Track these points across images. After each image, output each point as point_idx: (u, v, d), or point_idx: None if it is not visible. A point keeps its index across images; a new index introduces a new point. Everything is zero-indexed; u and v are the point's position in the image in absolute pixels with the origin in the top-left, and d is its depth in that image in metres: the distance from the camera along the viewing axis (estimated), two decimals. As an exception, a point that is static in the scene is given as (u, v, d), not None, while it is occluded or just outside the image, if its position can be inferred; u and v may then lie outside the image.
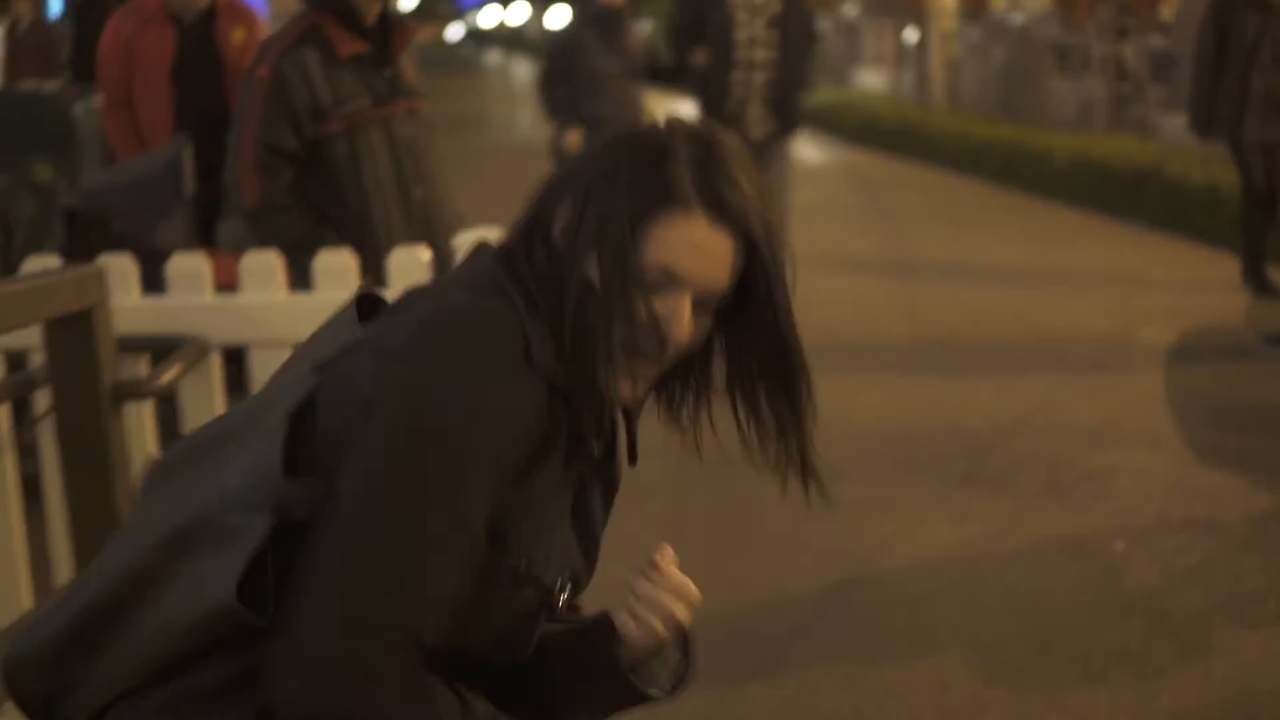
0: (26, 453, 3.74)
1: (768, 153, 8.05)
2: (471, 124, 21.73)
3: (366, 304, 1.78)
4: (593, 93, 8.57)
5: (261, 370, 3.52)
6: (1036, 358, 7.23)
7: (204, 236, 5.79)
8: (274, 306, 3.54)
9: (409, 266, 3.55)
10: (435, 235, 4.16)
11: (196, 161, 5.44)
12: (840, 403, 6.52)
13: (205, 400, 3.54)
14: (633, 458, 1.85)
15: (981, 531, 4.91)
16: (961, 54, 19.03)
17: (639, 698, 1.80)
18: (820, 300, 8.41)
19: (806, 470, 1.82)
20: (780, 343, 1.74)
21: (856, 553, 4.73)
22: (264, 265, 3.56)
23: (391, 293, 3.40)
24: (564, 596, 1.75)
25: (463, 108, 24.47)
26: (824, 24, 22.75)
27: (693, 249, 1.66)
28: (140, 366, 3.49)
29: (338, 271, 3.53)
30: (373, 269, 3.86)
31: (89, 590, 1.69)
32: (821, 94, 20.30)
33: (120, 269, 3.53)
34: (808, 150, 17.12)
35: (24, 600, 3.47)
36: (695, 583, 1.79)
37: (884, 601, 4.37)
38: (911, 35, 20.49)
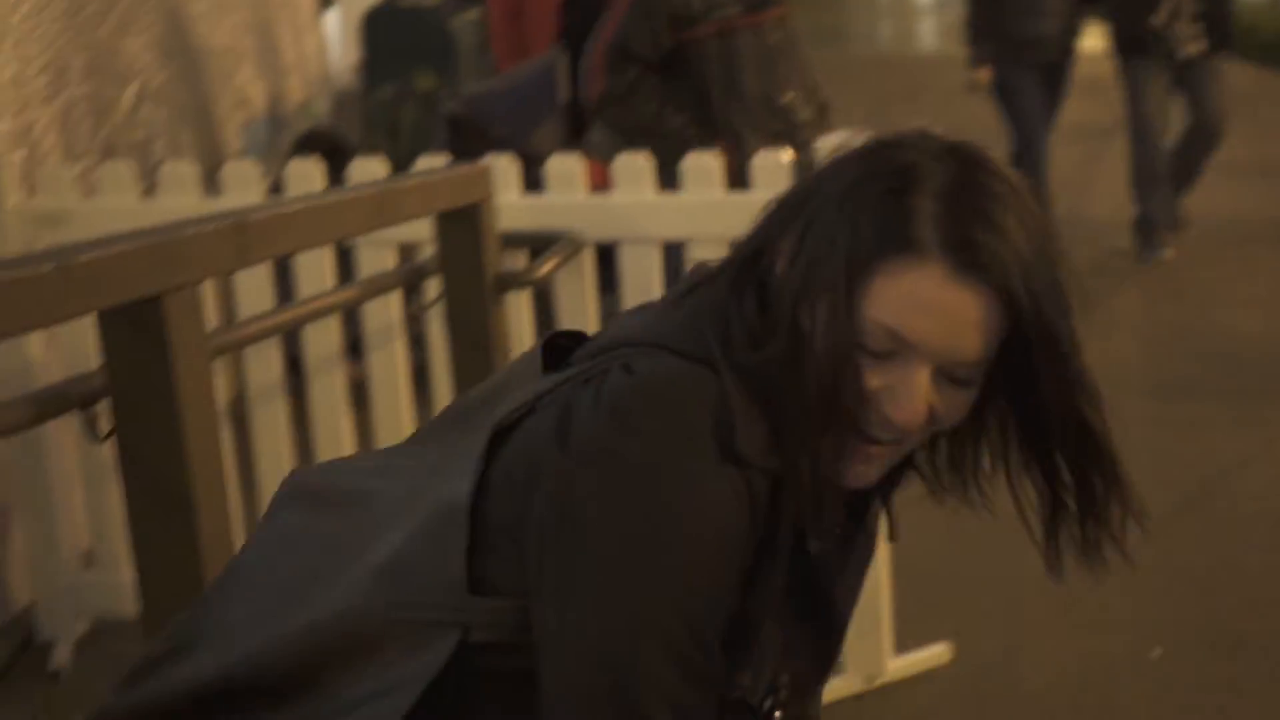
0: (415, 343, 4.02)
1: (1197, 73, 7.28)
2: (829, 36, 21.64)
3: (559, 341, 1.48)
4: (1024, 7, 7.39)
5: (631, 265, 3.70)
6: None
7: (574, 144, 6.05)
8: (643, 205, 3.71)
9: (772, 170, 3.66)
10: (798, 138, 4.27)
11: (574, 73, 5.68)
12: (1203, 315, 6.38)
13: (578, 293, 3.74)
14: (893, 534, 1.52)
15: (1349, 451, 4.78)
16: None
17: None
18: (1190, 210, 8.20)
19: (1100, 552, 1.41)
20: (1070, 421, 1.35)
21: (1213, 467, 4.67)
22: (634, 166, 3.73)
23: (757, 195, 3.55)
24: (776, 701, 1.42)
25: (820, 20, 24.38)
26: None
27: (925, 308, 1.28)
28: (519, 260, 3.71)
29: (704, 172, 3.67)
30: (737, 170, 3.99)
31: (214, 662, 1.45)
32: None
33: (502, 168, 3.75)
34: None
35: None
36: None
37: (1240, 517, 4.32)
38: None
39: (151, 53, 5.31)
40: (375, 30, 9.10)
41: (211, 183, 3.94)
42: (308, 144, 5.80)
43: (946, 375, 1.32)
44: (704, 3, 4.29)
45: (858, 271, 1.29)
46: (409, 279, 3.54)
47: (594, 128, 5.91)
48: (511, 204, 3.71)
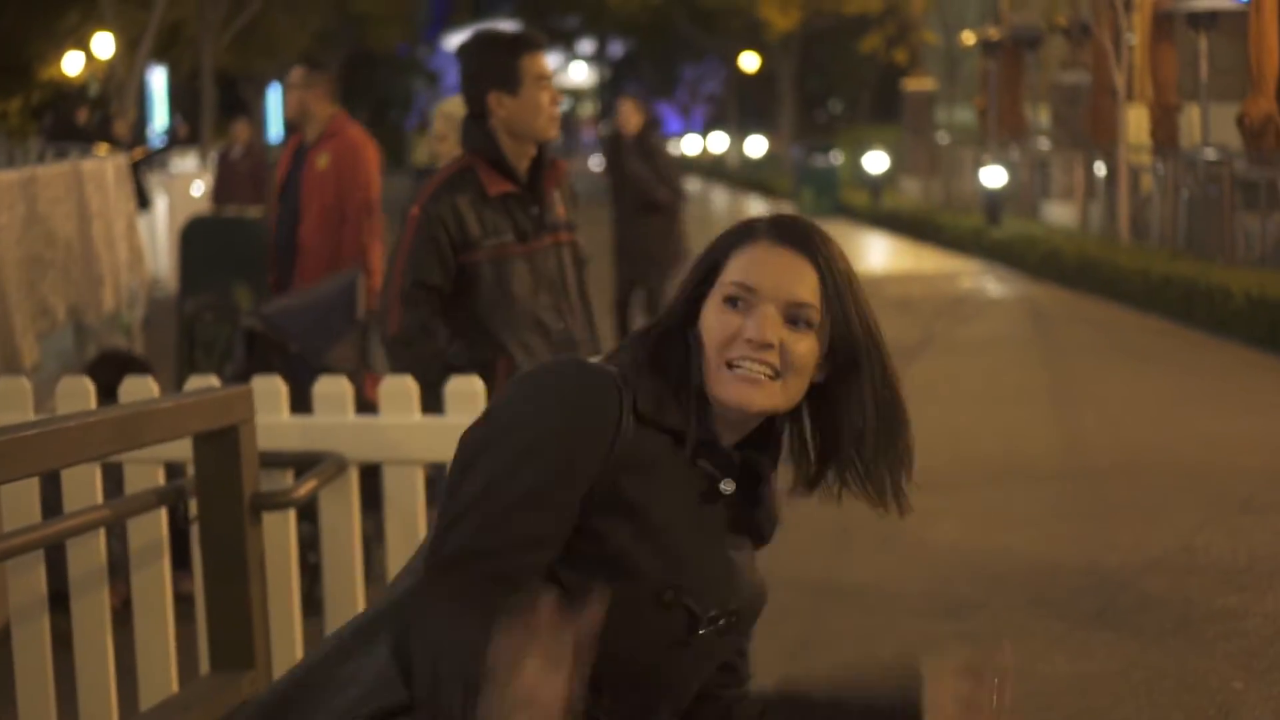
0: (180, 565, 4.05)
1: None
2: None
3: None
4: None
5: (394, 486, 3.80)
6: (1186, 495, 7.23)
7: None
8: (408, 427, 3.82)
9: (466, 398, 3.78)
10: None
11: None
12: (978, 534, 6.61)
13: (343, 513, 3.82)
14: (767, 528, 2.13)
15: (1101, 668, 4.97)
16: (1152, 189, 18.92)
17: None
18: (977, 432, 8.51)
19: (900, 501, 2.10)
20: (879, 400, 2.05)
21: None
22: (401, 389, 3.85)
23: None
24: (717, 625, 2.00)
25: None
26: (1014, 155, 22.80)
27: (760, 263, 2.02)
28: (286, 480, 3.79)
29: (467, 396, 3.80)
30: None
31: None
32: (1007, 226, 20.33)
33: (270, 389, 3.85)
34: (988, 283, 17.17)
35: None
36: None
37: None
38: (1101, 169, 20.44)
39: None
40: (192, 241, 9.15)
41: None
42: (103, 364, 5.81)
43: (787, 317, 2.00)
44: (481, 229, 4.43)
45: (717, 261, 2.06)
46: (166, 498, 3.59)
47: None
48: (278, 424, 3.80)
